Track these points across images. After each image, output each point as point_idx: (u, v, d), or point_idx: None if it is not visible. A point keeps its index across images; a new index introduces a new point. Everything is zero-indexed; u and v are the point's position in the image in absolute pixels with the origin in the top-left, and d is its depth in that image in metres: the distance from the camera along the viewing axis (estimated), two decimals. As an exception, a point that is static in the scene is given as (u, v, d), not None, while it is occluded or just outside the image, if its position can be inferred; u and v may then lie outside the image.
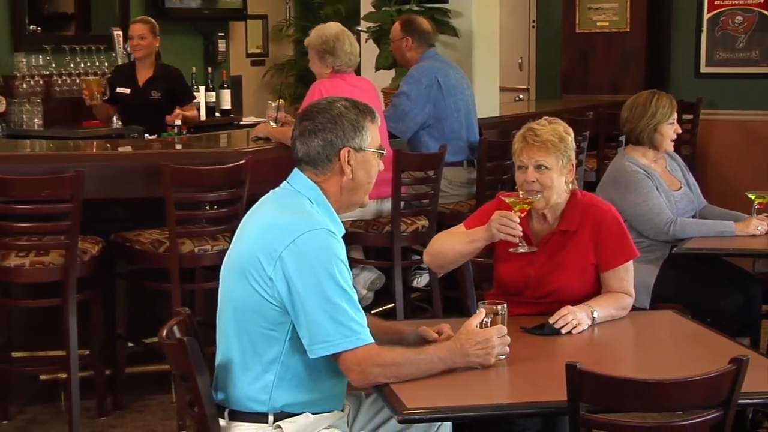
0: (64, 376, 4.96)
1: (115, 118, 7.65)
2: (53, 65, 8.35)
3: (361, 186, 3.24)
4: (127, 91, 7.36)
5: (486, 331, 3.11)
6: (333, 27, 6.00)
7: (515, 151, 3.83)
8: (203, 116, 8.77)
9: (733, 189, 6.89)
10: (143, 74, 7.39)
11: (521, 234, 3.59)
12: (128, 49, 7.78)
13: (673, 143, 5.14)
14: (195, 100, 7.92)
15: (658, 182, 5.02)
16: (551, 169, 3.74)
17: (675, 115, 5.10)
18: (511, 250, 3.65)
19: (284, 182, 3.25)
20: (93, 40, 8.55)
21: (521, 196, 3.63)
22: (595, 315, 3.57)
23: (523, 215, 3.61)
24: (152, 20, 7.52)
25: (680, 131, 5.22)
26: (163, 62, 7.71)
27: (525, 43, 11.08)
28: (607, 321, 3.62)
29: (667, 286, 4.90)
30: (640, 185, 4.96)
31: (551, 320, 3.51)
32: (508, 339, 3.14)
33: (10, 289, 5.07)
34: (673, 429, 2.89)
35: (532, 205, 3.64)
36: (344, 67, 5.91)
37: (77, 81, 8.25)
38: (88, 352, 5.10)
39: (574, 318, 3.51)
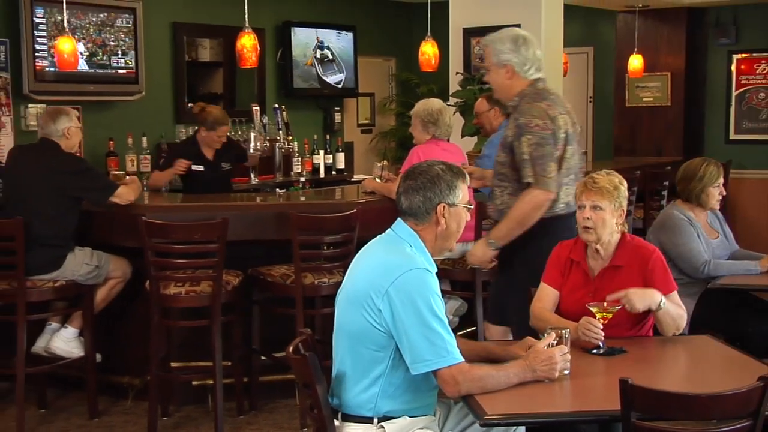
0: (211, 382, 4.99)
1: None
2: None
3: (452, 234, 3.21)
4: (201, 168, 6.59)
5: (550, 351, 3.09)
6: (437, 103, 5.98)
7: (577, 194, 3.81)
8: (322, 174, 8.85)
9: (758, 235, 6.75)
10: (208, 151, 6.64)
11: (603, 338, 3.44)
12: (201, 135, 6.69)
13: (718, 202, 5.05)
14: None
15: (699, 231, 4.95)
16: (604, 210, 3.71)
17: (721, 180, 5.01)
18: (594, 351, 3.44)
19: (389, 229, 3.24)
20: (237, 114, 8.68)
21: (605, 305, 3.51)
22: (663, 302, 3.53)
23: (605, 323, 3.46)
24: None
25: (725, 193, 5.12)
26: None
27: (584, 115, 10.99)
28: (666, 323, 3.58)
29: (704, 316, 4.79)
30: (683, 230, 4.89)
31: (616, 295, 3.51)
32: (569, 356, 3.12)
33: (170, 313, 5.12)
34: (710, 435, 2.83)
35: (613, 313, 3.49)
36: (441, 135, 5.89)
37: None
38: (230, 363, 5.12)
39: (631, 297, 3.50)
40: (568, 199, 4.23)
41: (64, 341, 5.29)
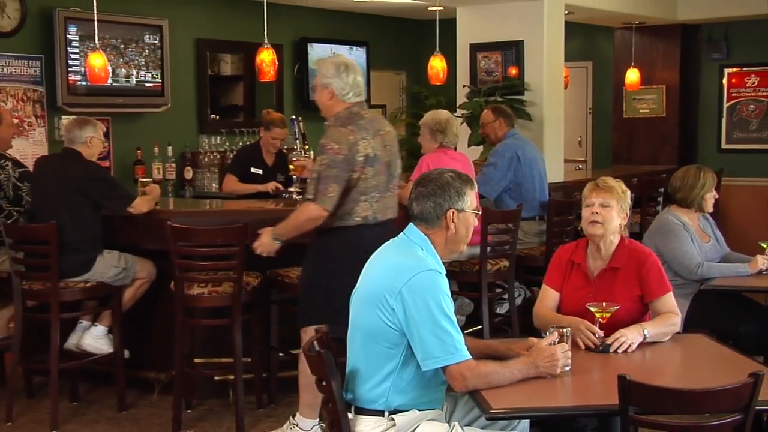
0: (232, 377, 5.00)
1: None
2: (227, 144, 8.53)
3: (461, 238, 3.21)
4: (260, 171, 6.76)
5: (552, 348, 3.09)
6: (445, 113, 5.98)
7: (585, 194, 3.82)
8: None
9: (749, 238, 6.70)
10: (269, 157, 6.83)
11: (602, 336, 3.43)
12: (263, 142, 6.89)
13: (712, 206, 5.06)
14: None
15: (693, 235, 4.94)
16: (612, 208, 3.73)
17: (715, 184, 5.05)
18: (593, 348, 3.43)
19: (401, 234, 3.24)
20: (256, 125, 8.66)
21: (603, 305, 3.50)
22: (647, 332, 3.48)
23: (604, 322, 3.46)
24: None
25: (717, 196, 5.13)
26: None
27: (583, 126, 10.98)
28: (658, 338, 3.52)
29: (697, 315, 4.78)
30: (678, 234, 4.88)
31: (608, 341, 3.43)
32: (570, 354, 3.11)
33: (193, 312, 5.12)
34: (703, 428, 2.80)
35: (612, 312, 3.48)
36: (449, 144, 5.88)
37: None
38: (249, 359, 5.12)
39: (626, 339, 3.42)
40: (366, 214, 4.39)
41: (94, 338, 5.31)
